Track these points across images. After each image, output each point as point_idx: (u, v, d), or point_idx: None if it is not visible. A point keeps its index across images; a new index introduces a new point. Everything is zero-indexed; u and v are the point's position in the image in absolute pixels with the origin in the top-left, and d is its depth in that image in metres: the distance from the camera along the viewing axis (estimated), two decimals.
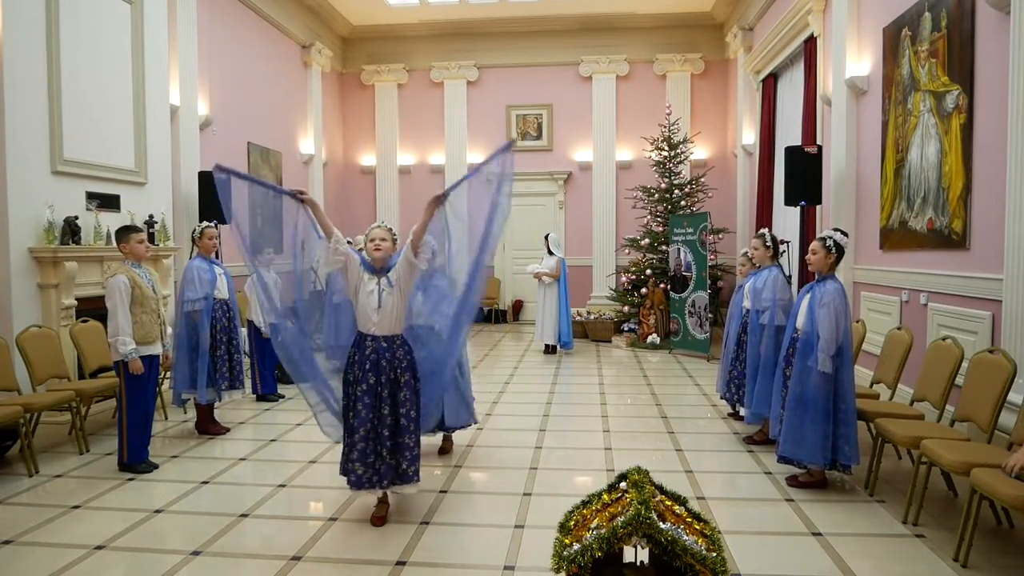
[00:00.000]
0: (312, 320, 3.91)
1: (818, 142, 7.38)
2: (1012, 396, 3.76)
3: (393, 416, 3.61)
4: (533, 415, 5.94)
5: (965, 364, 3.98)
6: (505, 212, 3.70)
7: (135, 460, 4.46)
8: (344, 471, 3.64)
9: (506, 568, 3.13)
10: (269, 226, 3.79)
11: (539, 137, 12.11)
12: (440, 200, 3.70)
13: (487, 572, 3.11)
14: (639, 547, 2.33)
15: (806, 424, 3.93)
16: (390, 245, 3.72)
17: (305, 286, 3.94)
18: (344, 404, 3.68)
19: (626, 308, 10.29)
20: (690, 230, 9.08)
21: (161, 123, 6.92)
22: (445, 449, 4.86)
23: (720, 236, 10.06)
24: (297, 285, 3.86)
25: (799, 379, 3.99)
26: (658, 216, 10.22)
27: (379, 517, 3.66)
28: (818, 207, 7.27)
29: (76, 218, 5.65)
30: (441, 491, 4.08)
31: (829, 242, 4.02)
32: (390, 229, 3.76)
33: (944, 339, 4.25)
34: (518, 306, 12.49)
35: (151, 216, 6.63)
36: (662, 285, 9.67)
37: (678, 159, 10.24)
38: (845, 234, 4.07)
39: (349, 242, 4.32)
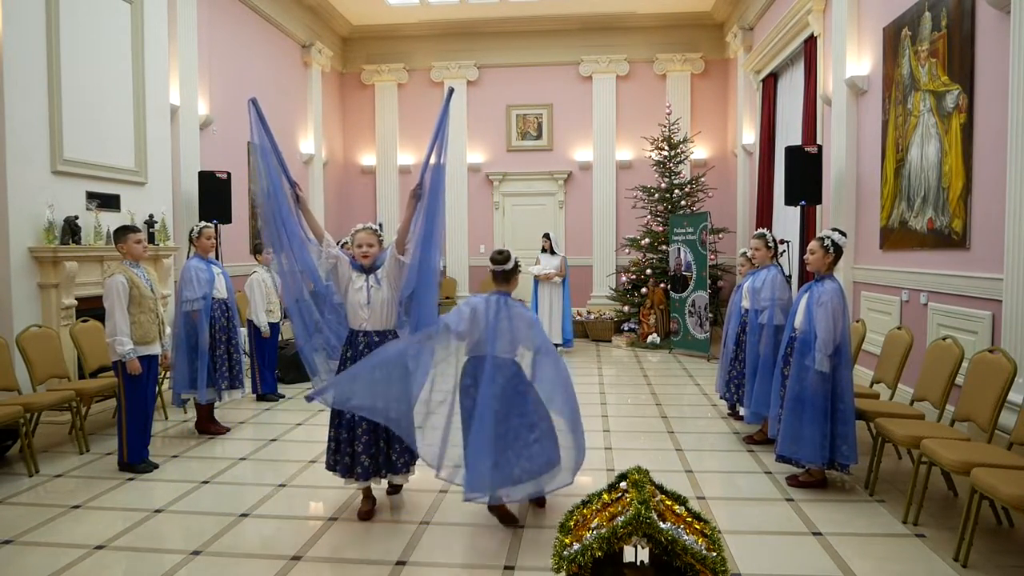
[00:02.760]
0: (311, 320, 3.94)
1: (818, 142, 7.38)
2: (1012, 396, 3.77)
3: None
4: None
5: (965, 364, 3.97)
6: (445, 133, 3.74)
7: (135, 460, 4.46)
8: (341, 466, 3.66)
9: (506, 568, 3.13)
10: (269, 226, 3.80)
11: (539, 137, 12.10)
12: (417, 193, 3.72)
13: (487, 572, 3.11)
14: (639, 547, 2.33)
15: (804, 423, 3.93)
16: (376, 249, 3.79)
17: (304, 285, 3.94)
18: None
19: (626, 308, 10.30)
20: (690, 230, 9.08)
21: (161, 123, 6.92)
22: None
23: (720, 236, 10.07)
24: (297, 285, 3.87)
25: (797, 378, 3.99)
26: (658, 216, 10.21)
27: (367, 512, 3.70)
28: (818, 207, 7.26)
29: (76, 218, 5.65)
30: (441, 491, 4.07)
31: (827, 242, 4.03)
32: (375, 231, 3.80)
33: (944, 339, 4.24)
34: None
35: (151, 216, 6.64)
36: (662, 285, 9.67)
37: (678, 159, 10.23)
38: (843, 234, 4.07)
39: (345, 244, 4.33)
